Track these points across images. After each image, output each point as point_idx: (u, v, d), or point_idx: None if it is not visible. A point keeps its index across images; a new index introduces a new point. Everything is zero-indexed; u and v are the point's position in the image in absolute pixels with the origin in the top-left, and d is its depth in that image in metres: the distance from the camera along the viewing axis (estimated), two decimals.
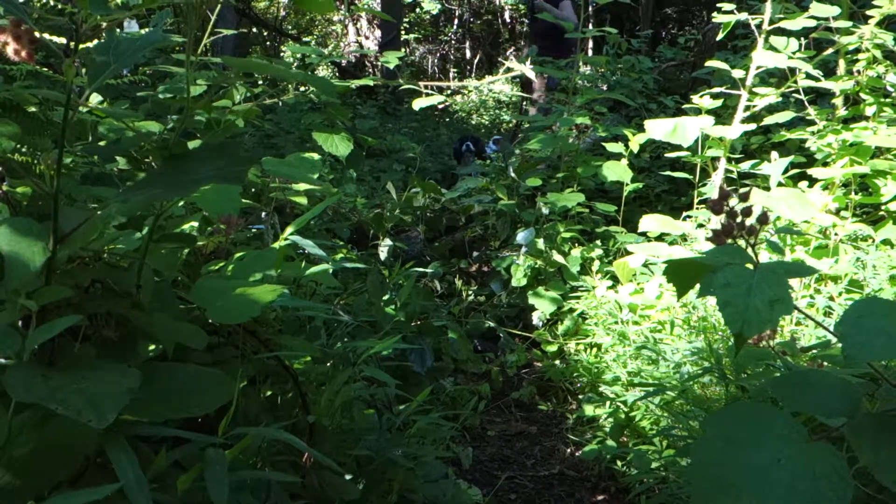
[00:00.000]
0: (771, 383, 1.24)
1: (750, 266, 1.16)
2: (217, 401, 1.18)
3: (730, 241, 1.25)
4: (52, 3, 1.70)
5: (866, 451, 1.05)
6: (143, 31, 1.54)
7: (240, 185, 1.35)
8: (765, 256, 2.28)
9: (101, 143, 1.87)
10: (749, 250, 1.21)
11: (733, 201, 1.24)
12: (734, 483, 1.07)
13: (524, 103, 8.18)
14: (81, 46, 1.19)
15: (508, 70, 3.04)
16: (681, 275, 1.36)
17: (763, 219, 1.23)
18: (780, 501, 1.04)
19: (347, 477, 1.70)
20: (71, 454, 0.99)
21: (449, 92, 12.83)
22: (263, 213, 2.30)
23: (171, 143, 1.07)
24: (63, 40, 1.88)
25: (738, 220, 1.22)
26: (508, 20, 16.86)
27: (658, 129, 3.14)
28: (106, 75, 1.04)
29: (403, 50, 13.86)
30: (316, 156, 2.06)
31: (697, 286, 1.28)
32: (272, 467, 1.47)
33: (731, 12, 3.37)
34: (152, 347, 1.53)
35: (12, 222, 1.05)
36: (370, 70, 13.21)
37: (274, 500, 1.29)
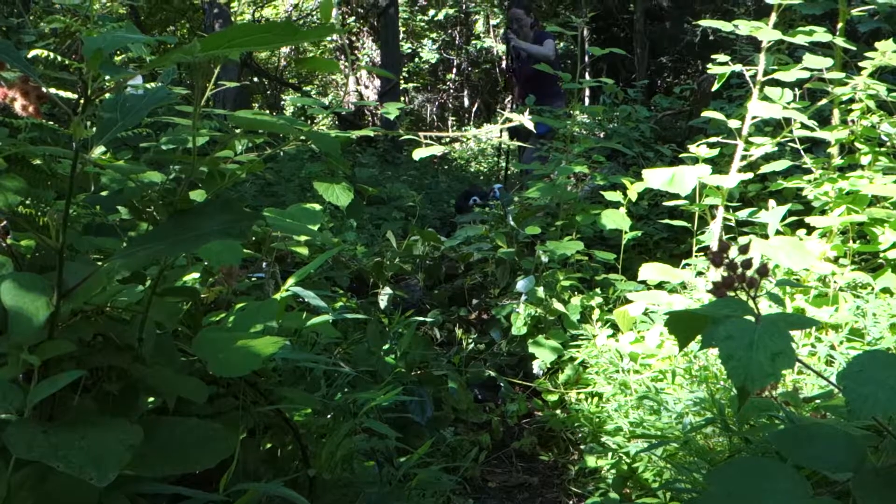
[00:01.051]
0: (774, 437, 1.23)
1: (751, 318, 1.17)
2: (217, 456, 1.18)
3: (730, 292, 1.26)
4: (58, 58, 1.73)
5: None
6: (148, 86, 1.56)
7: (244, 240, 1.36)
8: (765, 305, 2.29)
9: (104, 194, 1.88)
10: (750, 302, 1.21)
11: (733, 252, 1.25)
12: None
13: (517, 151, 8.27)
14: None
15: (508, 120, 3.07)
16: (682, 326, 1.36)
17: (763, 271, 1.24)
18: None
19: None
20: None
21: (448, 140, 12.94)
22: (265, 264, 2.30)
23: (177, 200, 1.08)
24: (68, 94, 1.91)
25: (739, 272, 1.23)
26: (506, 69, 17.09)
27: (656, 178, 3.17)
28: (113, 132, 1.05)
29: (402, 99, 14.03)
30: (317, 206, 2.07)
31: (699, 337, 1.28)
32: None
33: (725, 63, 3.43)
34: (152, 399, 1.52)
35: (16, 277, 1.06)
36: (370, 118, 13.35)
37: None
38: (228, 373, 1.35)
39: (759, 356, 1.07)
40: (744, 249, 1.25)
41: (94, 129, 1.20)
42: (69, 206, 1.02)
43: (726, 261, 1.24)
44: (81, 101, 0.99)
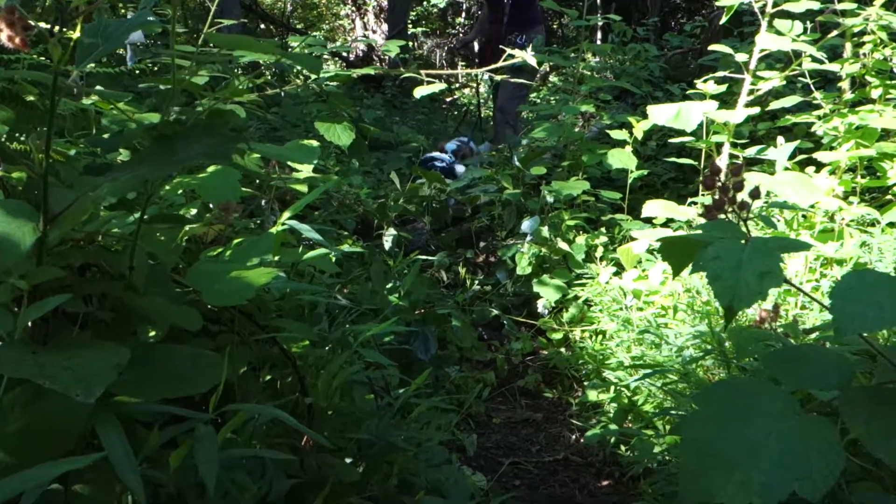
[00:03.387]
0: (765, 358, 1.23)
1: (742, 240, 1.16)
2: (211, 381, 1.19)
3: (722, 216, 1.25)
4: None
5: (858, 423, 1.05)
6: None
7: (227, 163, 1.35)
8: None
9: (105, 136, 1.88)
10: (741, 225, 1.20)
11: (724, 176, 1.23)
12: (725, 457, 1.07)
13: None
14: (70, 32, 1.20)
15: (511, 57, 3.02)
16: (675, 253, 1.36)
17: (755, 193, 1.22)
18: (771, 475, 1.03)
19: (347, 460, 1.70)
20: (63, 432, 1.00)
21: (457, 85, 12.79)
22: (263, 202, 2.30)
23: (160, 124, 1.07)
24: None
25: (730, 194, 1.22)
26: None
27: (661, 114, 3.13)
28: (94, 56, 1.04)
29: (412, 43, 13.84)
30: (315, 143, 2.06)
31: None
32: (271, 449, 1.47)
33: None
34: (153, 333, 1.54)
35: (3, 204, 1.06)
36: (378, 65, 13.20)
37: (269, 479, 1.30)
38: (222, 302, 1.36)
39: (747, 275, 1.07)
40: (736, 172, 1.23)
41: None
42: (51, 130, 1.01)
43: (718, 184, 1.23)
44: (57, 24, 0.98)
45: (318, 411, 1.63)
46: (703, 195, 3.52)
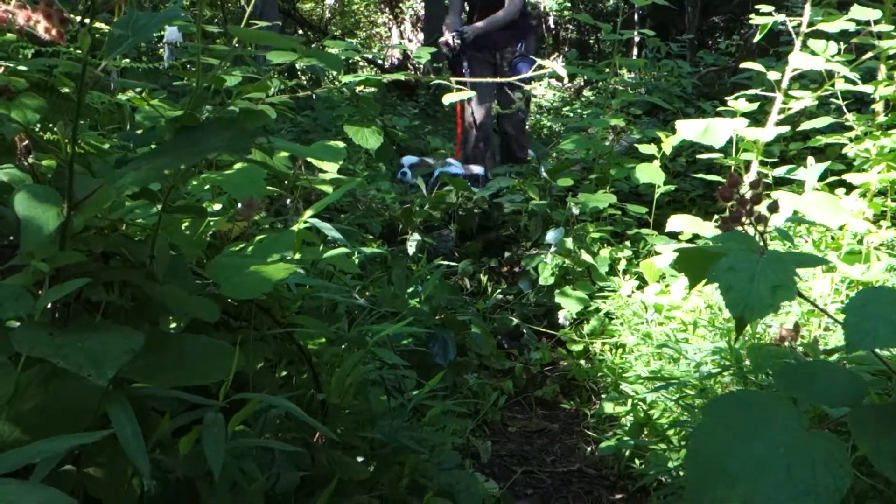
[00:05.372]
0: (776, 373, 1.23)
1: (757, 253, 1.15)
2: (223, 370, 1.21)
3: (739, 228, 1.24)
4: None
5: (867, 441, 1.04)
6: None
7: (246, 156, 1.38)
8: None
9: (138, 131, 1.92)
10: (757, 237, 1.20)
11: (744, 188, 1.23)
12: (731, 471, 1.06)
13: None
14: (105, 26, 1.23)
15: (540, 67, 3.04)
16: (692, 265, 1.36)
17: (773, 207, 1.22)
18: (777, 489, 1.03)
19: (359, 458, 1.71)
20: (75, 412, 1.02)
21: None
22: (289, 200, 2.33)
23: (182, 116, 1.10)
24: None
25: (748, 206, 1.21)
26: (553, 25, 16.80)
27: (689, 129, 3.12)
28: (123, 48, 1.07)
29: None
30: (341, 144, 2.09)
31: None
32: (282, 442, 1.49)
33: (768, 14, 3.33)
34: (174, 325, 1.57)
35: (30, 188, 1.09)
36: (412, 72, 13.27)
37: (278, 471, 1.32)
38: (239, 295, 1.38)
39: (759, 287, 1.06)
40: (755, 185, 1.23)
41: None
42: (79, 118, 1.04)
43: (736, 196, 1.23)
44: (88, 15, 1.01)
45: (332, 408, 1.65)
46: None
